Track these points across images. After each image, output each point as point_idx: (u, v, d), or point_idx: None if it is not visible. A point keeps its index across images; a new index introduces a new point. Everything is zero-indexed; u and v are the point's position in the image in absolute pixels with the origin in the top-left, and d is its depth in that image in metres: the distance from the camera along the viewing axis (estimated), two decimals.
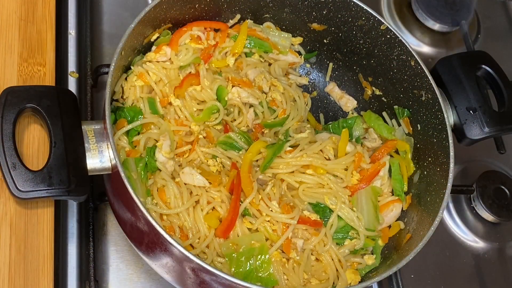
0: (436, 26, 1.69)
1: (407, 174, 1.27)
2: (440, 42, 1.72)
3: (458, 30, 1.67)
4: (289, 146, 1.22)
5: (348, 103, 1.41)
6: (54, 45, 1.24)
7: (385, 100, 1.36)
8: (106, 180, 1.13)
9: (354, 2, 1.27)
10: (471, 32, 1.70)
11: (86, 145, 1.05)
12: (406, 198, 1.26)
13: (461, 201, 1.52)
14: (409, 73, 1.27)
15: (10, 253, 1.05)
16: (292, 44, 1.38)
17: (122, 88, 1.19)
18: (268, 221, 1.13)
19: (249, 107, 1.27)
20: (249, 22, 1.33)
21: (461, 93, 1.28)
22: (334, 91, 1.42)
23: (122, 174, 0.98)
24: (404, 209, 1.25)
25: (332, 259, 1.16)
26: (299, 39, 1.39)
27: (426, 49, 1.70)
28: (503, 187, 1.51)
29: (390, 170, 1.27)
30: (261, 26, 1.35)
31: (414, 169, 1.27)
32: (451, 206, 1.51)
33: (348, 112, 1.42)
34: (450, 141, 1.19)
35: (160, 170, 1.14)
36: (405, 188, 1.27)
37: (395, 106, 1.33)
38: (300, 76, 1.41)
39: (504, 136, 1.39)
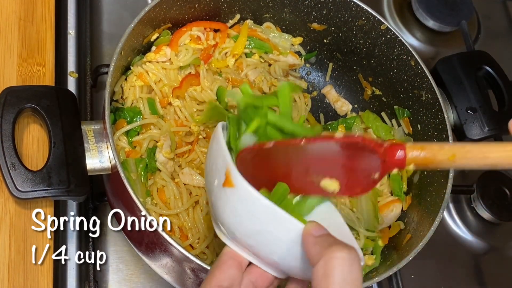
0: (436, 26, 1.68)
1: (406, 174, 1.27)
2: (440, 42, 1.71)
3: (458, 30, 1.67)
4: None
5: (343, 106, 1.40)
6: (53, 45, 1.24)
7: (385, 100, 1.35)
8: (105, 180, 1.12)
9: (354, 2, 1.26)
10: (471, 32, 1.69)
11: (85, 145, 1.05)
12: (406, 199, 1.25)
13: (461, 201, 1.51)
14: (409, 73, 1.27)
15: (9, 253, 1.05)
16: (292, 44, 1.38)
17: (122, 88, 1.19)
18: None
19: None
20: (249, 22, 1.33)
21: (461, 93, 1.28)
22: (331, 93, 1.42)
23: (122, 174, 0.98)
24: (404, 209, 1.25)
25: None
26: (299, 39, 1.39)
27: (426, 49, 1.70)
28: (503, 187, 1.51)
29: None
30: (261, 27, 1.35)
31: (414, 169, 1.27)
32: (451, 206, 1.51)
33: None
34: (450, 141, 1.19)
35: (160, 171, 1.14)
36: (405, 188, 1.27)
37: (395, 106, 1.33)
38: (300, 79, 1.41)
39: (504, 136, 1.38)
